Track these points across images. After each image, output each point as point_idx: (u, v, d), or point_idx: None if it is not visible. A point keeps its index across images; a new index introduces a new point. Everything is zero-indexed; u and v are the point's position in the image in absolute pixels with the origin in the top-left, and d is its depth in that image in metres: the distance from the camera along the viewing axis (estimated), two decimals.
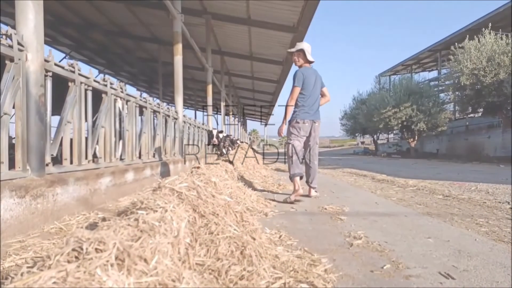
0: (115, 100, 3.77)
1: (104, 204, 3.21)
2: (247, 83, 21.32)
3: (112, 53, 17.53)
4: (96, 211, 2.89)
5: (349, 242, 2.05)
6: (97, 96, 3.52)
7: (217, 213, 1.66)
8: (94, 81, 3.28)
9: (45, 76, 2.56)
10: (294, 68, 4.05)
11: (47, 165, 2.55)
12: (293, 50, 3.99)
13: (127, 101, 4.13)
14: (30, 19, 2.30)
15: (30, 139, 2.30)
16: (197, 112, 32.83)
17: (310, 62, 3.96)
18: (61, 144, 2.84)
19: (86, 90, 3.16)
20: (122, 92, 3.93)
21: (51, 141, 2.65)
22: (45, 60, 2.52)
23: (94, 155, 3.38)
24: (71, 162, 2.94)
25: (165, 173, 5.34)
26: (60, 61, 3.10)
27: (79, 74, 2.99)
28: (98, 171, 3.23)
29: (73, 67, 2.91)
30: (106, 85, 3.54)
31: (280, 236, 2.09)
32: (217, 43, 13.52)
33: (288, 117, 3.87)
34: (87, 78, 3.16)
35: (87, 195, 2.94)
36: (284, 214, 2.94)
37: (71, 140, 2.99)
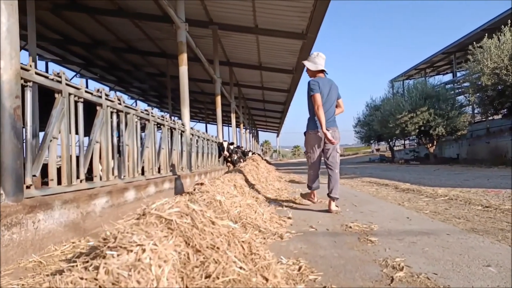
0: (111, 113, 3.47)
1: (99, 228, 2.86)
2: (257, 94, 21.08)
3: (122, 69, 17.59)
4: (88, 237, 2.55)
5: (387, 274, 1.62)
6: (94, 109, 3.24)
7: (217, 246, 1.27)
8: (86, 92, 2.98)
9: (25, 86, 2.27)
10: (305, 76, 4.09)
11: (27, 187, 2.23)
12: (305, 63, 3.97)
13: (126, 113, 3.83)
14: (2, 22, 2.01)
15: (4, 159, 1.98)
16: (208, 125, 32.76)
17: (322, 72, 3.87)
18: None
19: (76, 102, 2.86)
20: (120, 104, 3.63)
21: (33, 161, 2.33)
22: (24, 69, 2.22)
23: (89, 174, 3.06)
24: (59, 183, 2.62)
25: (174, 188, 5.01)
26: (71, 79, 2.84)
27: (67, 84, 2.69)
28: (92, 191, 2.89)
29: (60, 76, 2.61)
30: (100, 97, 3.24)
31: (300, 268, 1.68)
32: (225, 54, 13.34)
33: (324, 123, 3.63)
34: (77, 89, 2.86)
35: (78, 219, 2.59)
36: (303, 236, 2.52)
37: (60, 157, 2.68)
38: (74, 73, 17.76)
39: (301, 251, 2.10)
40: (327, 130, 3.62)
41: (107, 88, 17.16)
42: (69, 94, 2.74)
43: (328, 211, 3.56)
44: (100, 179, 3.21)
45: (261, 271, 1.32)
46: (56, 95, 2.62)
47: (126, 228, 1.17)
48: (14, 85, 2.05)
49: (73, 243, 2.36)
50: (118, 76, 19.47)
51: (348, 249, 2.10)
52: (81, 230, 2.62)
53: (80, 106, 2.97)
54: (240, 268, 1.23)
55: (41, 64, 15.75)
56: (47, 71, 12.13)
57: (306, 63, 3.92)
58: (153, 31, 11.95)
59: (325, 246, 2.21)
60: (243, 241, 1.45)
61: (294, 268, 1.68)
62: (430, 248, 2.05)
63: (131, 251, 1.00)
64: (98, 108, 3.25)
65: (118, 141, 3.77)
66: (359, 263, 1.81)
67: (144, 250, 1.00)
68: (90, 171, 3.10)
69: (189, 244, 1.23)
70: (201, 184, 2.69)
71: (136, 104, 19.48)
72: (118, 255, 0.99)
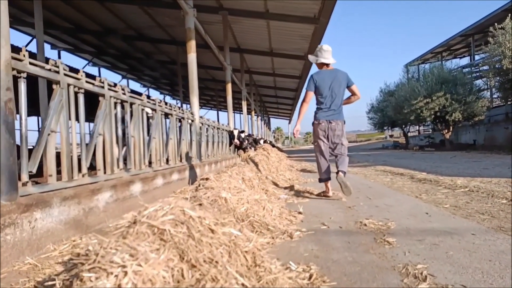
0: (115, 104, 3.33)
1: (104, 224, 2.78)
2: (269, 81, 20.75)
3: (133, 57, 17.50)
4: (92, 233, 2.46)
5: (409, 286, 1.45)
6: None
7: (216, 260, 1.13)
8: (87, 82, 2.84)
9: (18, 77, 2.14)
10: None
11: (24, 184, 2.13)
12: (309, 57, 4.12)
13: (132, 103, 3.70)
14: None
15: None
16: (220, 112, 32.65)
17: (327, 64, 3.93)
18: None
19: (76, 93, 2.73)
20: (124, 93, 3.49)
21: (29, 156, 2.22)
22: (16, 59, 2.09)
23: (91, 167, 2.95)
24: (60, 178, 2.51)
25: (185, 179, 4.93)
26: (83, 68, 2.71)
27: (66, 75, 2.56)
28: (95, 186, 2.79)
29: (57, 66, 2.47)
30: (103, 87, 3.10)
31: (311, 277, 1.52)
32: (236, 40, 13.04)
33: (301, 119, 4.10)
34: (77, 79, 2.72)
35: (80, 216, 2.50)
36: (314, 234, 2.36)
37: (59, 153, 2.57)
38: (87, 62, 17.79)
39: (312, 253, 1.94)
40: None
41: (119, 77, 17.17)
42: (68, 84, 2.60)
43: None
44: (104, 172, 3.11)
45: (267, 286, 1.17)
46: (54, 86, 2.49)
47: (111, 242, 1.03)
48: (5, 77, 1.92)
49: (73, 241, 2.27)
50: (130, 64, 19.41)
51: (364, 252, 1.93)
52: (83, 227, 2.53)
53: (81, 97, 2.84)
54: (242, 285, 1.09)
55: (53, 53, 15.75)
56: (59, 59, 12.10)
57: (309, 56, 4.09)
58: (163, 18, 11.74)
59: (338, 248, 2.04)
60: (246, 251, 1.29)
61: (304, 277, 1.52)
62: (454, 252, 1.86)
63: (111, 273, 0.86)
64: (100, 99, 3.12)
65: (124, 132, 3.66)
66: (376, 270, 1.64)
67: (125, 273, 0.86)
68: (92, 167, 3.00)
69: (183, 259, 1.08)
70: (206, 179, 2.54)
71: (149, 92, 19.47)
72: (96, 278, 0.85)
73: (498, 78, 14.05)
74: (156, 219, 1.19)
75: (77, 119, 2.83)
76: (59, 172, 2.50)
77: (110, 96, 3.22)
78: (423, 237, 2.17)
